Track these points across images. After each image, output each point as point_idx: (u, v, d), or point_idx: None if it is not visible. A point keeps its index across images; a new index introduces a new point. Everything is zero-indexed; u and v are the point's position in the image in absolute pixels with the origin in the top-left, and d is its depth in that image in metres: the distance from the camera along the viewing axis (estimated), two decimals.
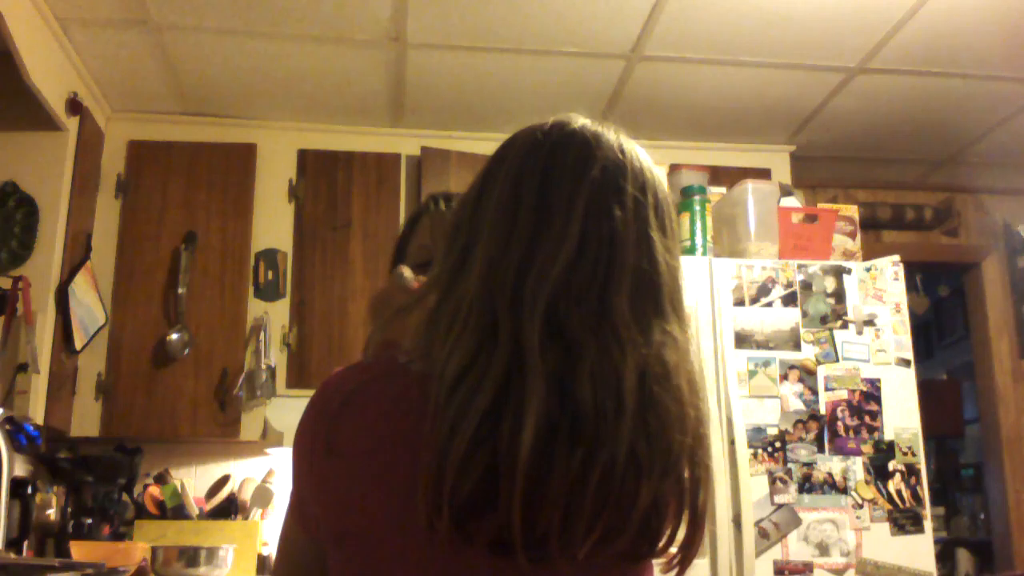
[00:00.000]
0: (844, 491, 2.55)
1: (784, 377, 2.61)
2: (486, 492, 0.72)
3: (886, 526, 2.53)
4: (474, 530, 0.73)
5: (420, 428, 0.75)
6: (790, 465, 2.55)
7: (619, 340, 0.77)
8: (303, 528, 0.87)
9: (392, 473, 0.78)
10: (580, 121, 0.87)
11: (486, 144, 3.08)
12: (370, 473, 0.79)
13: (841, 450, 2.58)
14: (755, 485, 2.51)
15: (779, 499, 2.52)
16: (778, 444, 2.56)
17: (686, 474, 0.78)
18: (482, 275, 0.79)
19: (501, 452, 0.72)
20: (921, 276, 4.53)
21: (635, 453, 0.74)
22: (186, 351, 3.09)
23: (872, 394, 2.63)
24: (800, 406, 2.59)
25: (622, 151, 0.85)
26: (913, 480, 2.58)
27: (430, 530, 0.73)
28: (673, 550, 0.80)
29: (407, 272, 1.09)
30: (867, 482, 2.56)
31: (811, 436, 2.58)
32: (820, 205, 3.14)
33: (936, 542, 2.72)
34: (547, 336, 0.76)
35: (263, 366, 3.10)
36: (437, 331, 0.79)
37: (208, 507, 3.00)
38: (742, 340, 2.62)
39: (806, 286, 2.70)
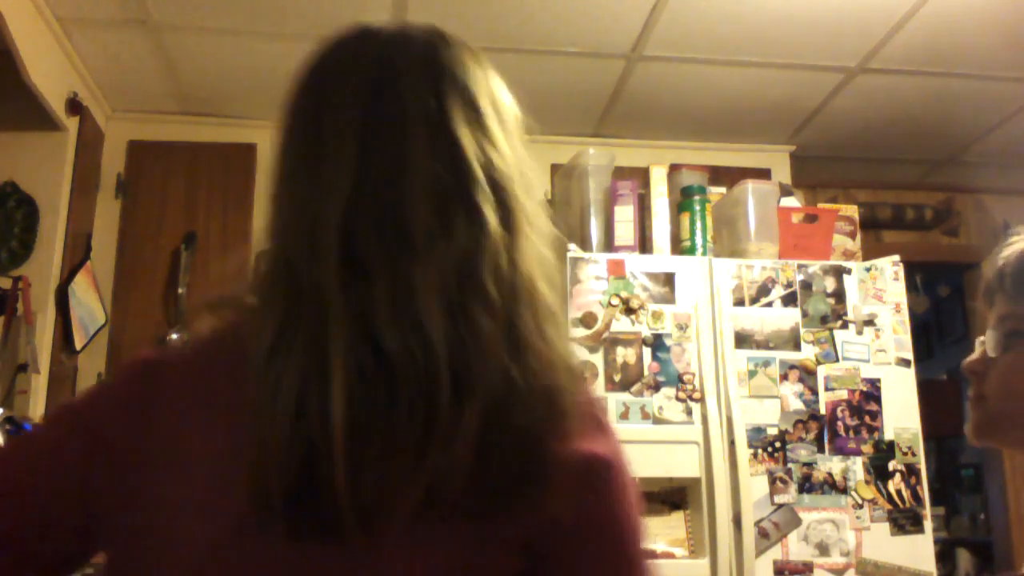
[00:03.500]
0: (844, 491, 2.55)
1: (784, 377, 2.61)
2: (312, 473, 0.64)
3: (886, 526, 2.53)
4: (305, 517, 0.65)
5: (236, 413, 0.67)
6: (790, 465, 2.55)
7: (415, 254, 0.68)
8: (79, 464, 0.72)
9: (207, 468, 0.69)
10: (346, 31, 0.83)
11: None
12: (181, 470, 0.69)
13: (841, 450, 2.58)
14: (755, 485, 2.51)
15: (779, 499, 2.52)
16: (778, 444, 2.56)
17: (519, 392, 0.67)
18: (280, 229, 0.73)
19: (313, 428, 0.63)
20: (921, 276, 4.53)
21: (457, 377, 0.65)
22: None
23: (872, 394, 2.63)
24: (800, 406, 2.59)
25: (403, 37, 0.79)
26: (913, 480, 2.58)
27: (260, 524, 0.65)
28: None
29: None
30: (867, 482, 2.56)
31: (811, 436, 2.58)
32: (820, 205, 3.14)
33: (936, 542, 2.72)
34: (347, 275, 0.67)
35: None
36: (254, 304, 0.71)
37: None
38: (742, 340, 2.62)
39: (806, 286, 2.70)
